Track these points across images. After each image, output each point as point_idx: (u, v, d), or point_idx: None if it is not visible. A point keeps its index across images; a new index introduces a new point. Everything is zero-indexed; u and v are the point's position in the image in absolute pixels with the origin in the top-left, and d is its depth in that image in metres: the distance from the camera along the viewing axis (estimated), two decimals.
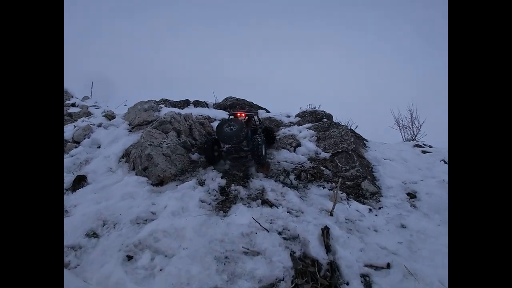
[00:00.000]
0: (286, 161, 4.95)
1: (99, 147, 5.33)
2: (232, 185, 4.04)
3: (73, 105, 8.97)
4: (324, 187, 4.25)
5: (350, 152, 5.19)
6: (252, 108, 8.27)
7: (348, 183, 4.40)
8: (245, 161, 4.90)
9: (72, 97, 10.02)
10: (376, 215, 3.77)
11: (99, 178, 4.35)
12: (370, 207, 3.89)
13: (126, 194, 3.77)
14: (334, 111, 7.45)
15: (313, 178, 4.39)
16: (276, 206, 3.59)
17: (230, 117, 5.39)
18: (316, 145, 5.62)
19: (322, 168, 4.71)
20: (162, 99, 7.41)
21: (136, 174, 4.33)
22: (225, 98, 8.46)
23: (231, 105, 8.21)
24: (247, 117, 5.31)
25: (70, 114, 8.05)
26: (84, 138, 5.43)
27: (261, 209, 3.48)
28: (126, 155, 4.79)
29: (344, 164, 4.92)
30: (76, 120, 6.83)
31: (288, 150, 5.46)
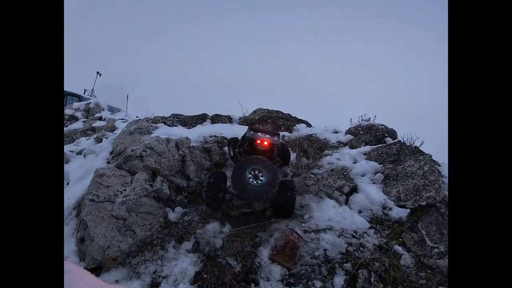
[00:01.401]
0: (331, 228, 2.76)
1: (68, 183, 3.94)
2: None
3: (100, 118, 8.31)
4: None
5: (442, 209, 2.78)
6: (288, 121, 6.30)
7: None
8: (257, 225, 2.88)
9: (104, 110, 9.49)
10: None
11: None
12: None
13: None
14: (387, 121, 5.02)
15: (382, 286, 2.10)
16: None
17: (245, 143, 3.63)
18: (383, 190, 3.32)
19: (396, 248, 2.42)
20: (173, 114, 5.88)
21: (76, 244, 2.71)
22: (254, 111, 6.68)
23: (261, 119, 6.34)
24: (274, 147, 3.54)
25: (93, 129, 7.22)
26: None
27: None
28: (79, 205, 3.21)
29: (435, 238, 2.51)
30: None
31: (336, 200, 3.24)
